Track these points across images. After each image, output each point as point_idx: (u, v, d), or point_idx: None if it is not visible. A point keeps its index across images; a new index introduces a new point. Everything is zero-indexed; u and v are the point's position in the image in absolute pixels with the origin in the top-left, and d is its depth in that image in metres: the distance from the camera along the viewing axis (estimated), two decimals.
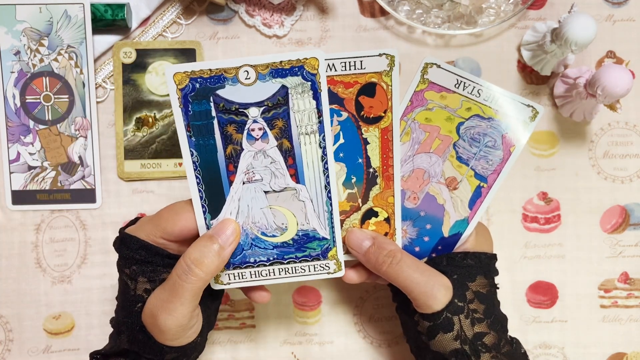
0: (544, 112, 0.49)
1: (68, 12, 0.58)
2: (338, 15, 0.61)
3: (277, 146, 0.44)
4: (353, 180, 0.48)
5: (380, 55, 0.45)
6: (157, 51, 0.59)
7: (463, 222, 0.50)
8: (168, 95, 0.59)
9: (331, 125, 0.46)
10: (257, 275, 0.46)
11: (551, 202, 0.61)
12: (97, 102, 0.60)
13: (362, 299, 0.60)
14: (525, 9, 0.59)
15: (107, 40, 0.59)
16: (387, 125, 0.46)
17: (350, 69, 0.45)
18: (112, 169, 0.60)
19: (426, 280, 0.46)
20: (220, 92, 0.43)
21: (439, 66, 0.49)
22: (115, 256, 0.60)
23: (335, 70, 0.45)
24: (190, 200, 0.45)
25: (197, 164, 0.44)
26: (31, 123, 0.59)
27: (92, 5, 0.58)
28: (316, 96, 0.43)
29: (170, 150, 0.59)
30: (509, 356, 0.47)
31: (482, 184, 0.49)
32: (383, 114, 0.46)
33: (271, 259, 0.46)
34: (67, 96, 0.59)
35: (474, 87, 0.49)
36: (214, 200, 0.45)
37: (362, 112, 0.46)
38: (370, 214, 0.48)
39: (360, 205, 0.48)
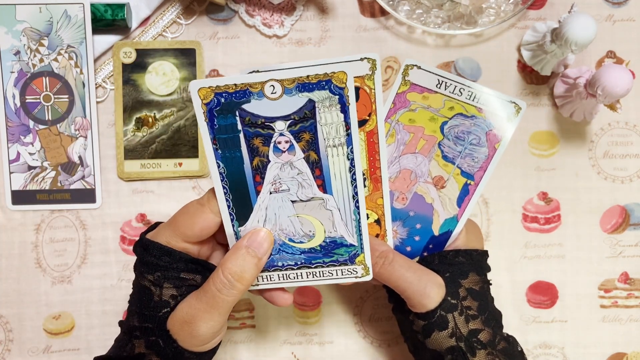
0: (526, 107, 0.49)
1: (68, 12, 0.58)
2: (338, 15, 0.61)
3: (304, 158, 0.44)
4: None
5: (362, 59, 0.45)
6: (157, 51, 0.59)
7: (452, 220, 0.50)
8: (168, 95, 0.59)
9: None
10: (285, 278, 0.46)
11: (551, 202, 0.61)
12: (97, 102, 0.60)
13: (362, 299, 0.60)
14: (525, 9, 0.59)
15: (107, 40, 0.59)
16: (372, 128, 0.46)
17: None
18: (112, 169, 0.60)
19: (419, 279, 0.46)
20: (245, 106, 0.42)
21: (419, 67, 0.49)
22: (115, 256, 0.60)
23: None
24: (201, 199, 0.45)
25: (223, 175, 0.44)
26: (31, 123, 0.59)
27: (92, 5, 0.58)
28: (344, 109, 0.42)
29: (170, 150, 0.59)
30: (504, 353, 0.47)
31: (469, 182, 0.50)
32: (368, 117, 0.46)
33: (299, 263, 0.46)
34: (67, 96, 0.59)
35: (456, 86, 0.49)
36: (241, 208, 0.45)
37: None
38: None
39: None
